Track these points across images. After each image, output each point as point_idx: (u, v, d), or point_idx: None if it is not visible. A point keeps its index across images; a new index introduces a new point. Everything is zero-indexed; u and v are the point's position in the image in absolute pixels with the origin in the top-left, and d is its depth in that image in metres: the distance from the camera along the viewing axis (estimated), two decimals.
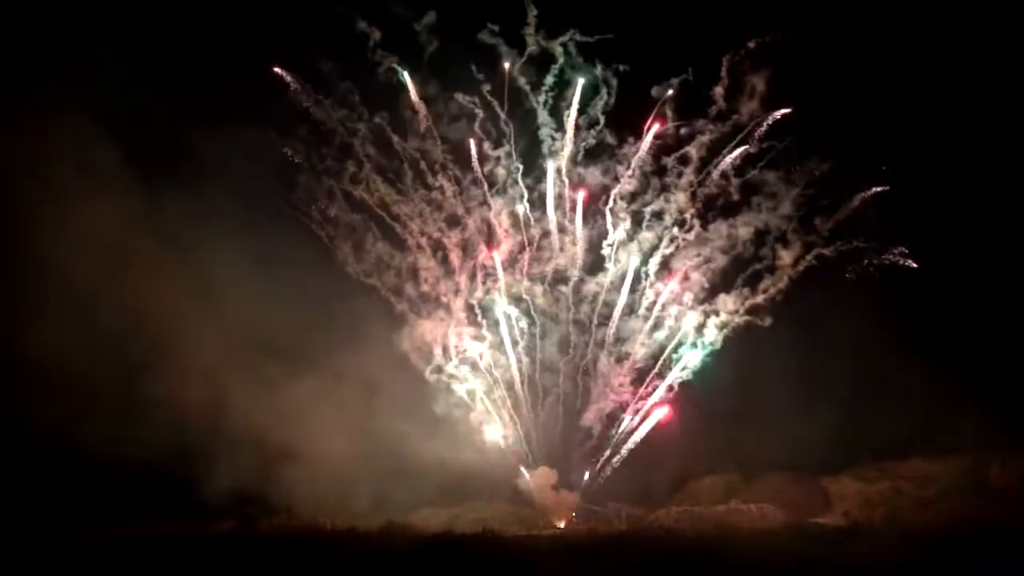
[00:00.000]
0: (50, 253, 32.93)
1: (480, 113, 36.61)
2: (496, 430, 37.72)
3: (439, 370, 37.52)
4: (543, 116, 36.87)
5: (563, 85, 36.57)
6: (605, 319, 37.96)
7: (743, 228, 36.87)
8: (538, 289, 38.09)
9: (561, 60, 36.04)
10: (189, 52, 35.17)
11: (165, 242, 35.10)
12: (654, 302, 37.48)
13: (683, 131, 36.68)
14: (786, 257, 36.71)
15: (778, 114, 36.13)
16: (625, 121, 37.03)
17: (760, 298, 36.81)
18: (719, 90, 35.94)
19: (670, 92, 36.25)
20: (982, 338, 35.99)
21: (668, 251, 37.28)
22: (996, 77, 35.77)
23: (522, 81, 36.48)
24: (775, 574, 27.53)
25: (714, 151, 36.81)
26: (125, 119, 34.39)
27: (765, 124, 36.16)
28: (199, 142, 35.00)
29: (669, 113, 36.64)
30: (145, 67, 34.96)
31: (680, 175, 37.03)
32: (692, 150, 36.69)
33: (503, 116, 36.79)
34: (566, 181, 37.64)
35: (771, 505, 35.72)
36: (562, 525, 37.12)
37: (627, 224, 37.38)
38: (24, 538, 29.53)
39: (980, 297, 36.23)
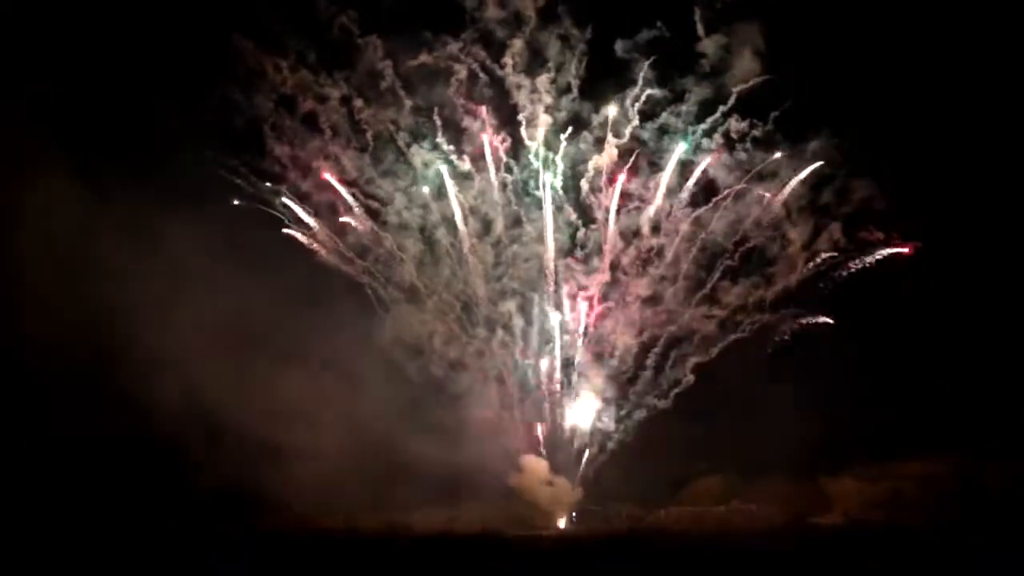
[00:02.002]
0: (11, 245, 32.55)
1: (460, 69, 35.01)
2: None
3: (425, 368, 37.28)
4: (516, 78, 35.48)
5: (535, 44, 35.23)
6: None
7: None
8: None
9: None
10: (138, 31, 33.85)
11: (137, 233, 34.24)
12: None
13: None
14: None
15: None
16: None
17: None
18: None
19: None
20: (983, 338, 35.96)
21: None
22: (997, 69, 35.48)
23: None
24: (775, 574, 27.54)
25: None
26: (78, 103, 33.66)
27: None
28: (162, 123, 34.18)
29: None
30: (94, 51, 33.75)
31: None
32: None
33: (481, 75, 35.34)
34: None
35: (771, 505, 35.77)
36: (562, 525, 37.16)
37: None
38: (20, 539, 29.38)
39: (981, 297, 36.18)
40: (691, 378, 37.24)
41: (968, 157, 35.56)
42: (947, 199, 35.26)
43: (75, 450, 33.37)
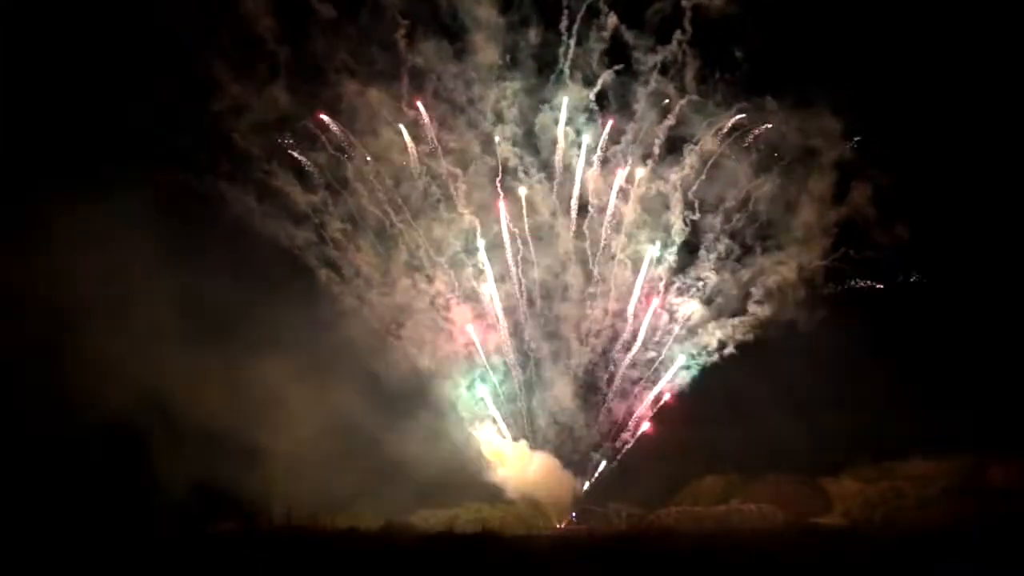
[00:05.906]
0: None
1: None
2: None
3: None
4: None
5: None
6: None
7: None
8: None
9: None
10: None
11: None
12: None
13: None
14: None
15: None
16: None
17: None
18: None
19: None
20: (982, 339, 35.92)
21: None
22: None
23: None
24: (775, 574, 27.54)
25: None
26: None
27: None
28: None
29: None
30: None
31: None
32: None
33: None
34: None
35: (771, 505, 35.80)
36: (561, 525, 37.17)
37: None
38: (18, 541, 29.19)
39: (980, 298, 36.15)
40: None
41: (968, 154, 35.40)
42: (944, 195, 35.17)
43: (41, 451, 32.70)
